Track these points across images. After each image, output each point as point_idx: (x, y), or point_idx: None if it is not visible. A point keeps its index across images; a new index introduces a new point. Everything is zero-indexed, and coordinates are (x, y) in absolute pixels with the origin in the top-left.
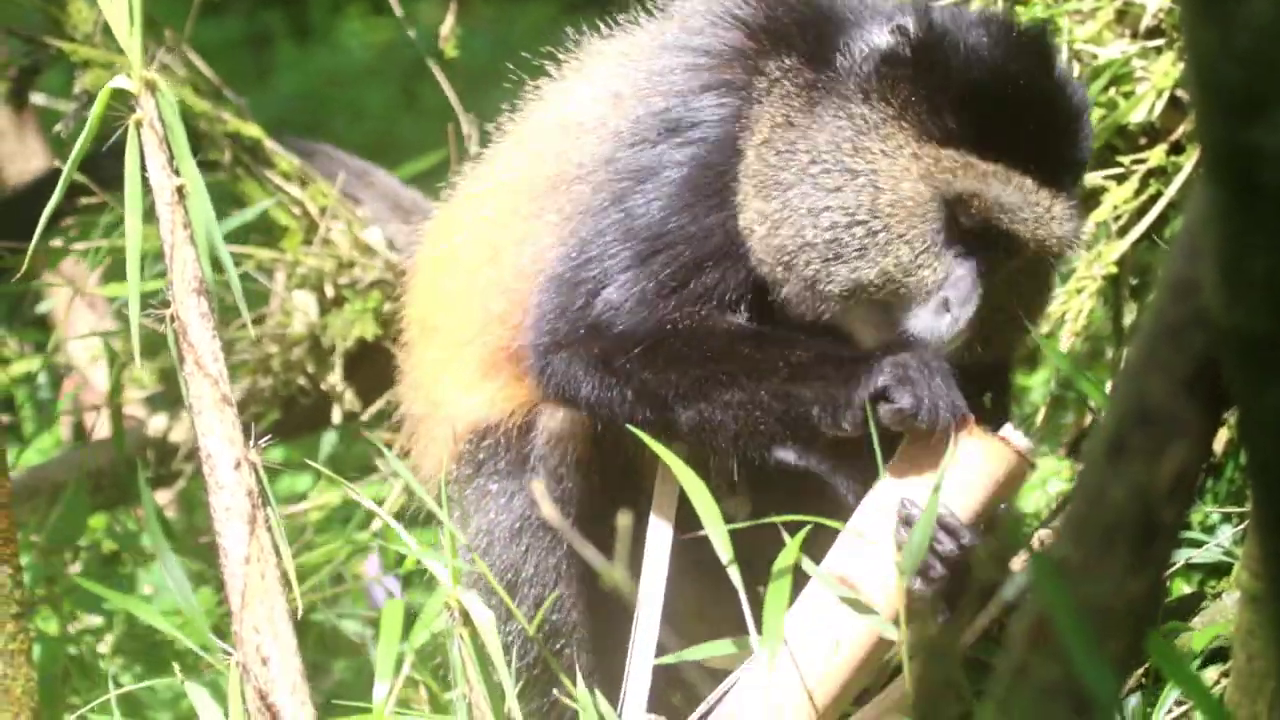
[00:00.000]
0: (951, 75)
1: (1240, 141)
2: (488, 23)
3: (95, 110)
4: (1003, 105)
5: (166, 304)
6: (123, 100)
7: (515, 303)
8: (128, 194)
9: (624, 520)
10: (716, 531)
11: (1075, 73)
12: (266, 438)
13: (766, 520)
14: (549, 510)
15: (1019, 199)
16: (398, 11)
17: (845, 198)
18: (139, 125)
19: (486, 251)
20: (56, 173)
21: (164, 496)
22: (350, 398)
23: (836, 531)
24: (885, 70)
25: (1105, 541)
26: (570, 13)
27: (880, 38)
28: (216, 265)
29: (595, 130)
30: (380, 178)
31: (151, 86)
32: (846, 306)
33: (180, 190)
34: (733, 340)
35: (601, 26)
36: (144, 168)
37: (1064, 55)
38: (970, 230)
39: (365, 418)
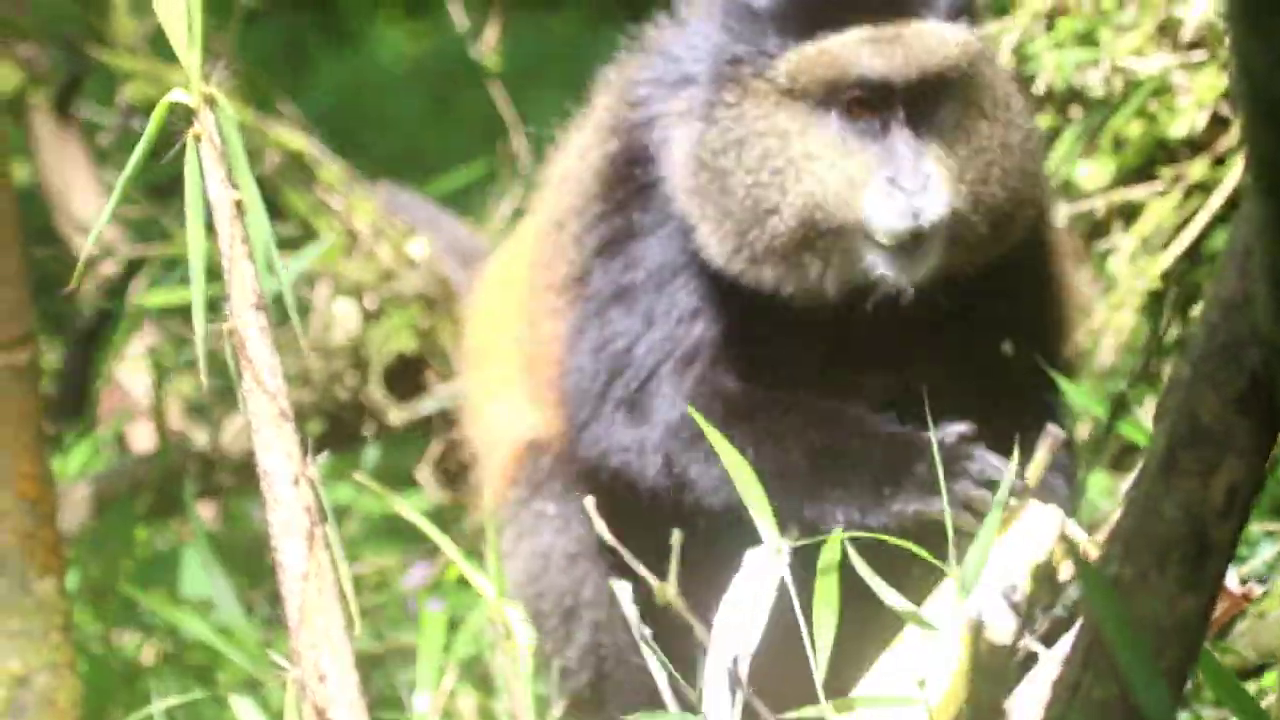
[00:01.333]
0: (756, 2)
1: None
2: (522, 31)
3: (152, 124)
4: None
5: (224, 319)
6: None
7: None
8: (188, 208)
9: (677, 538)
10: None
11: (1117, 86)
12: (323, 453)
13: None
14: (602, 527)
15: (866, 50)
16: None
17: (740, 167)
18: (197, 139)
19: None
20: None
21: (207, 510)
22: (391, 410)
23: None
24: (719, 43)
25: (1158, 559)
26: (605, 20)
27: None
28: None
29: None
30: (447, 223)
31: (210, 101)
32: (820, 262)
33: (239, 205)
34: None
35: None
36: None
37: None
38: (860, 105)
39: (403, 428)
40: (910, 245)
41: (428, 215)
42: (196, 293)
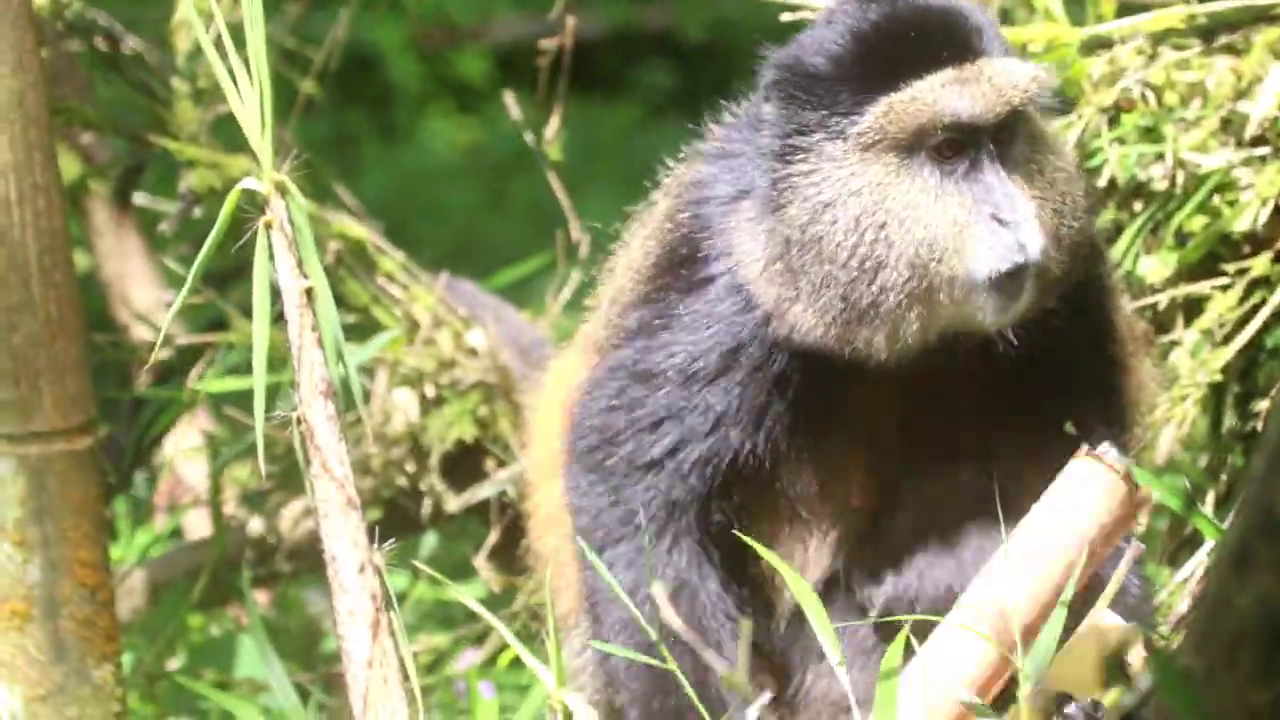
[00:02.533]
0: (820, 66)
1: None
2: (575, 123)
3: (225, 210)
4: (868, 40)
5: (284, 406)
6: (249, 201)
7: None
8: (256, 295)
9: (746, 625)
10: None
11: (1180, 180)
12: (390, 542)
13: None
14: (670, 616)
15: (954, 91)
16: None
17: (839, 229)
18: (269, 227)
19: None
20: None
21: (262, 597)
22: (449, 498)
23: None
24: (781, 116)
25: (1230, 651)
26: (656, 114)
27: (763, 108)
28: None
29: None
30: (506, 314)
31: (281, 189)
32: (925, 312)
33: (309, 293)
34: None
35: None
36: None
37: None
38: (950, 148)
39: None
40: (1011, 283)
41: (487, 305)
42: (259, 380)
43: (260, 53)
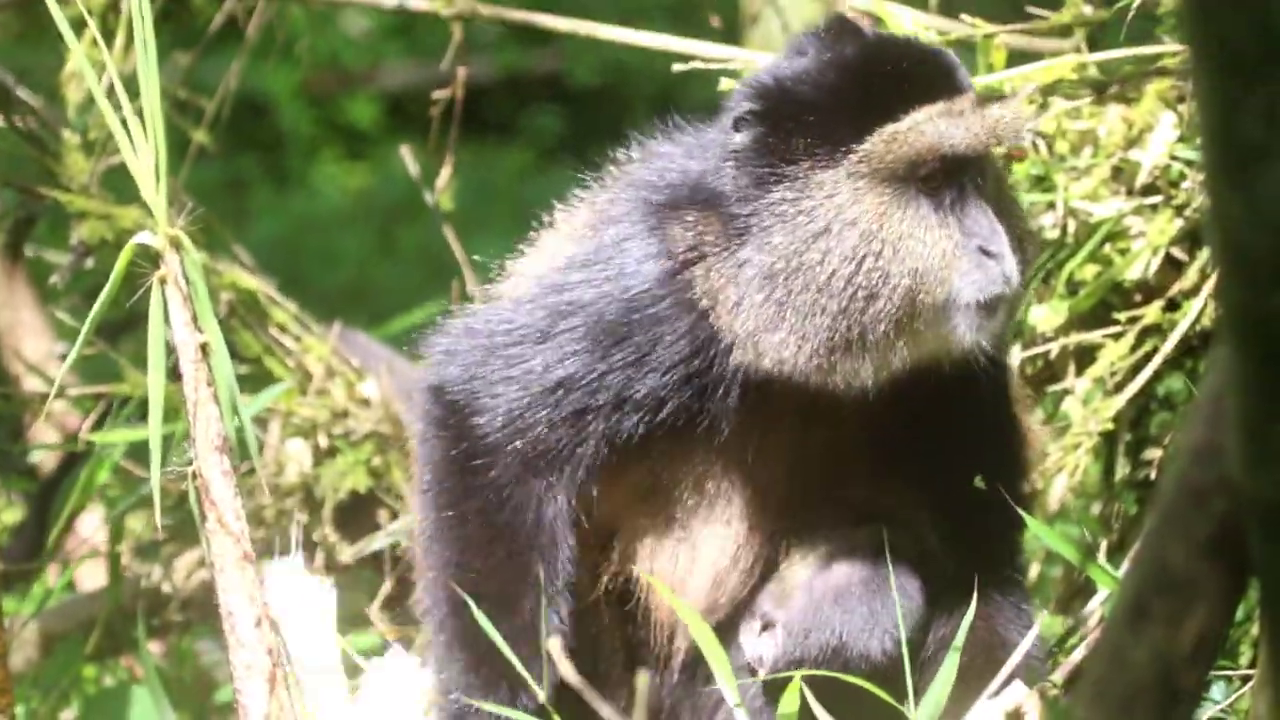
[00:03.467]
0: (808, 95)
1: (1265, 308)
2: (467, 168)
3: (119, 266)
4: (862, 72)
5: (187, 460)
6: (143, 254)
7: None
8: (151, 350)
9: (642, 681)
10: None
11: (1071, 229)
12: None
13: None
14: (567, 669)
15: (950, 123)
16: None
17: (834, 256)
18: (163, 282)
19: None
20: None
21: (156, 648)
22: (342, 549)
23: None
24: (760, 144)
25: (1126, 705)
26: (546, 157)
27: (734, 136)
28: None
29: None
30: (401, 366)
31: (176, 244)
32: (910, 340)
33: (204, 347)
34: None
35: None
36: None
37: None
38: (938, 178)
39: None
40: (991, 311)
41: (380, 355)
42: (154, 434)
43: (156, 108)
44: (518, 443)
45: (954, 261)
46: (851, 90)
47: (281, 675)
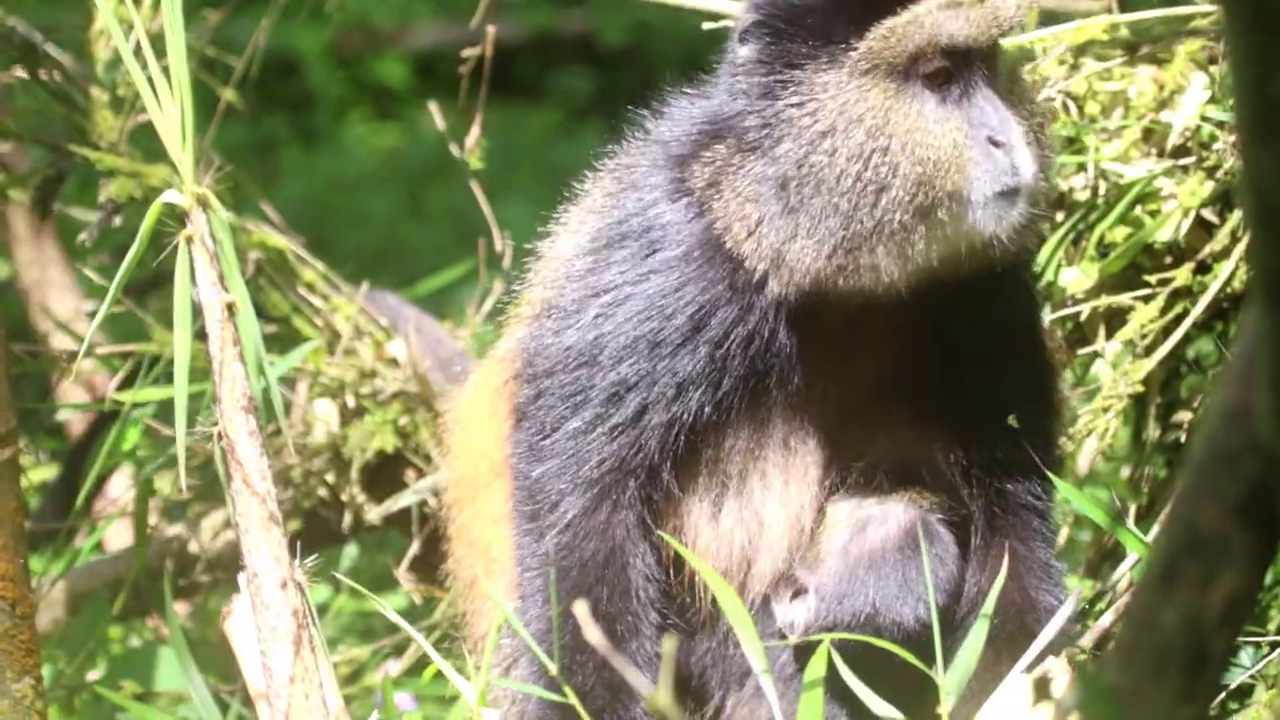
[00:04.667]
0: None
1: None
2: (495, 128)
3: (146, 224)
4: None
5: (207, 419)
6: (170, 212)
7: None
8: (177, 309)
9: (669, 644)
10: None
11: (1101, 191)
12: (313, 559)
13: None
14: (594, 635)
15: (950, 14)
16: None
17: (841, 155)
18: (189, 241)
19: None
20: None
21: (182, 608)
22: (370, 509)
23: None
24: (764, 54)
25: (1156, 668)
26: (575, 119)
27: (739, 50)
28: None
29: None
30: (429, 326)
31: (203, 202)
32: (926, 231)
33: (230, 307)
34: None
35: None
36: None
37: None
38: (943, 73)
39: (382, 526)
40: (1006, 201)
41: (408, 316)
42: (180, 393)
43: (182, 66)
44: (582, 470)
45: (965, 152)
46: None
47: (306, 638)
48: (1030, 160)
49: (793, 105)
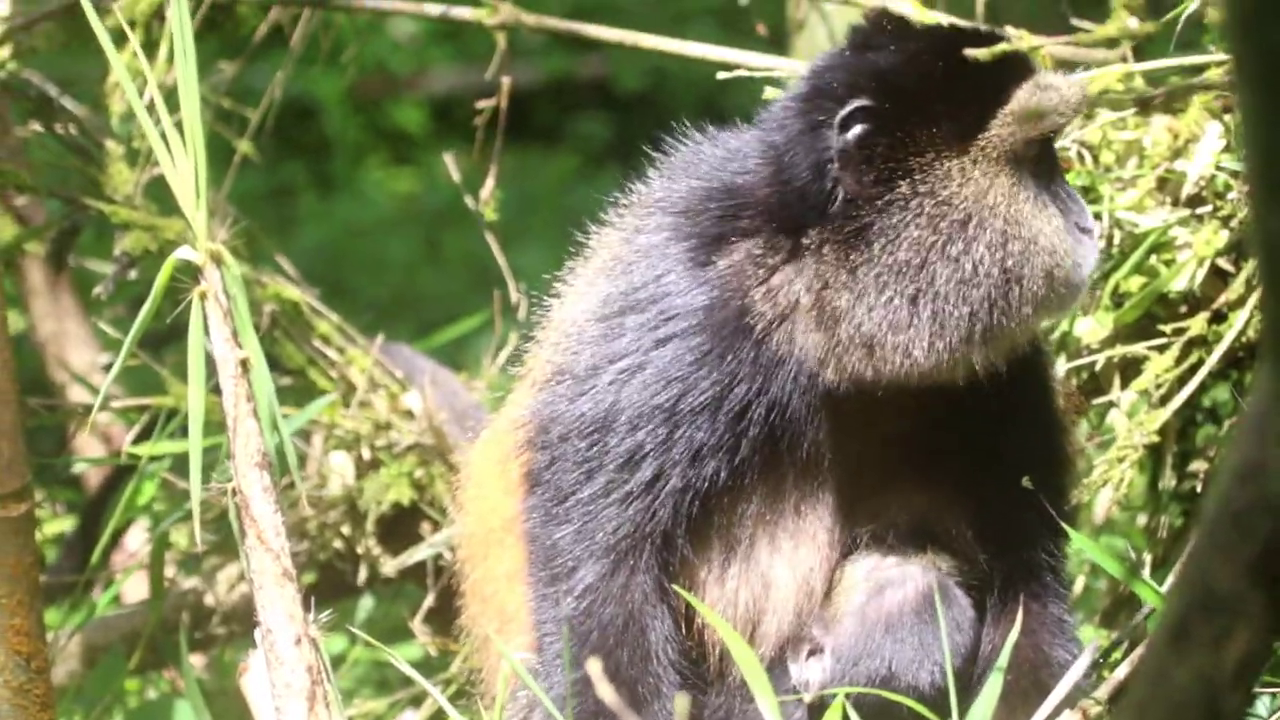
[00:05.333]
0: (920, 86)
1: None
2: (512, 174)
3: (160, 281)
4: (964, 60)
5: (223, 474)
6: (184, 268)
7: None
8: (191, 365)
9: (681, 704)
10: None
11: (1116, 240)
12: (327, 614)
13: None
14: (608, 694)
15: (1044, 95)
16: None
17: (977, 245)
18: (203, 297)
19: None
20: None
21: (198, 661)
22: (385, 561)
23: None
24: (875, 140)
25: None
26: (592, 164)
27: (842, 135)
28: None
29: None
30: (445, 378)
31: (217, 259)
32: (1033, 323)
33: (244, 363)
34: None
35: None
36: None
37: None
38: (1037, 153)
39: (397, 578)
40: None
41: (423, 368)
42: (194, 448)
43: (195, 123)
44: (598, 536)
45: (1068, 241)
46: (960, 76)
47: (321, 694)
48: (1098, 236)
49: (918, 193)
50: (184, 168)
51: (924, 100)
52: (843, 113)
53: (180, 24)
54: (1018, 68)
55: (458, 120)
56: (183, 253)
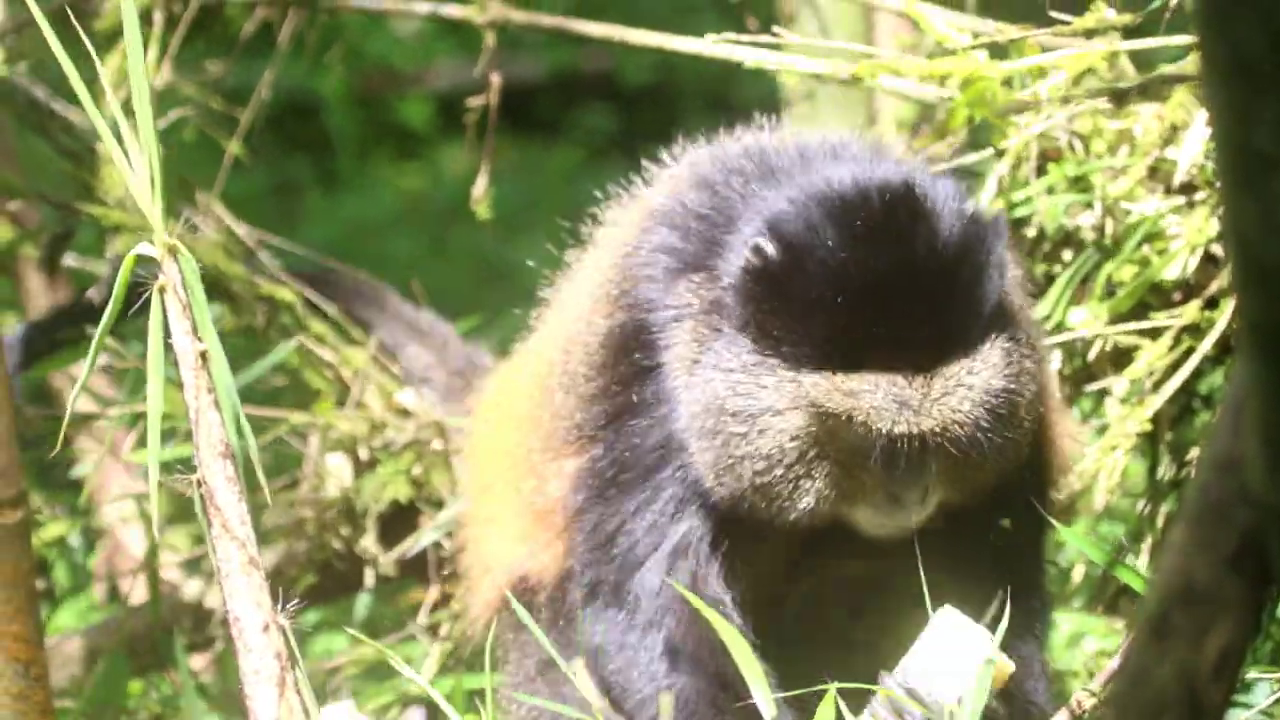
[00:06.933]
0: (803, 291)
1: None
2: (515, 168)
3: (120, 278)
4: (853, 311)
5: (193, 469)
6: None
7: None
8: (150, 359)
9: (665, 701)
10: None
11: (1109, 229)
12: (297, 602)
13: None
14: (588, 689)
15: (888, 402)
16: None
17: (756, 443)
18: (162, 291)
19: (528, 416)
20: (77, 300)
21: (200, 661)
22: (384, 560)
23: None
24: (751, 289)
25: None
26: (597, 157)
27: (741, 255)
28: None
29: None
30: (438, 328)
31: (173, 252)
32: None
33: (203, 355)
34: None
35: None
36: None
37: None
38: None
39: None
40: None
41: (409, 316)
42: (152, 441)
43: (147, 117)
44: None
45: (862, 493)
46: (829, 314)
47: (290, 680)
48: (923, 512)
49: (746, 366)
50: (138, 161)
51: (790, 301)
52: (754, 244)
53: (128, 14)
54: (887, 353)
55: (462, 115)
56: (141, 248)
